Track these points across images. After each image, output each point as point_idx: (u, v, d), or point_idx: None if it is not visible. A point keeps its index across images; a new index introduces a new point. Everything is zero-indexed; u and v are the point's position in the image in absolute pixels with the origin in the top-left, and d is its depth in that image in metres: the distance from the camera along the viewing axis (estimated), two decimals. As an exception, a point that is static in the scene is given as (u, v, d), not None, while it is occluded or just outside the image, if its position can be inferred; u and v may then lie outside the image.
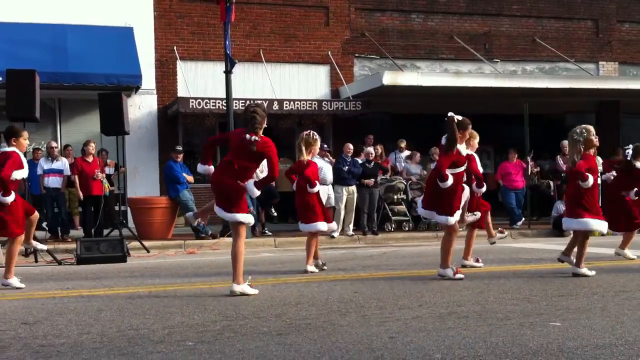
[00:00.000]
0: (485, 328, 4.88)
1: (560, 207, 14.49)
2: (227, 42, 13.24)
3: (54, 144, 13.65)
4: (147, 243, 11.79)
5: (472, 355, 4.13)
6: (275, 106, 15.62)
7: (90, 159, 12.83)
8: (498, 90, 16.41)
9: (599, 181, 8.61)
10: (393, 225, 14.49)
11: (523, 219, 15.12)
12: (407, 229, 14.53)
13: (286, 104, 15.77)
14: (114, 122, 11.84)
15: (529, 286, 6.87)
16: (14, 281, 7.42)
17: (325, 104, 16.29)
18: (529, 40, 19.16)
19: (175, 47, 16.53)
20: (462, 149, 7.41)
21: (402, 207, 14.80)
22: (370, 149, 14.09)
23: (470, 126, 7.55)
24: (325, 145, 15.11)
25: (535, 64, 19.26)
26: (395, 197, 14.75)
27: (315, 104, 16.10)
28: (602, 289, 6.65)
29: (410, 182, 15.16)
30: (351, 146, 13.78)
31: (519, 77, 17.60)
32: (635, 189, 9.06)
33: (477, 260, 8.68)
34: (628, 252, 9.25)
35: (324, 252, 11.54)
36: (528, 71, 19.02)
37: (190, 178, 13.46)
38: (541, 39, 19.08)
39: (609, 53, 19.90)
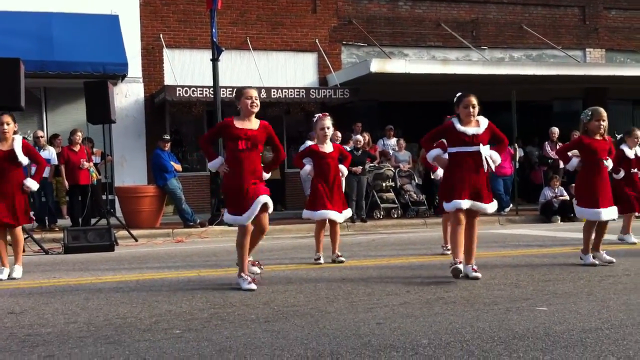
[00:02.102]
0: (472, 313, 4.90)
1: (548, 193, 14.57)
2: (213, 30, 13.18)
3: (40, 133, 13.56)
4: (135, 232, 11.76)
5: (459, 340, 4.14)
6: (263, 94, 15.53)
7: (77, 148, 12.75)
8: (486, 78, 16.43)
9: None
10: (382, 213, 14.52)
11: (511, 205, 15.18)
12: (395, 216, 14.57)
13: (274, 92, 15.72)
14: (100, 111, 11.78)
15: (516, 271, 6.90)
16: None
17: (313, 91, 16.25)
18: (516, 27, 19.18)
19: (161, 35, 16.43)
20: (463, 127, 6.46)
21: (391, 195, 14.83)
22: (359, 137, 14.09)
23: (467, 101, 6.46)
24: (313, 133, 15.08)
25: (523, 51, 19.29)
26: (384, 184, 14.77)
27: (303, 92, 16.06)
28: (589, 273, 6.68)
29: (398, 169, 15.18)
30: (339, 134, 13.76)
31: (507, 65, 17.63)
32: (622, 170, 9.18)
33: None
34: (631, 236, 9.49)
35: (312, 240, 11.54)
36: (515, 58, 19.05)
37: (178, 167, 13.42)
38: (528, 26, 19.11)
39: (595, 40, 19.96)
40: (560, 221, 13.88)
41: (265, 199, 6.19)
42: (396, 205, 14.72)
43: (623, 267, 7.06)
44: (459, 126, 6.44)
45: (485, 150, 6.43)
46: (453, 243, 6.54)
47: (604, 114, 7.15)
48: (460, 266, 6.36)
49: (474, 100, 6.46)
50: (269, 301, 5.55)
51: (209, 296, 5.85)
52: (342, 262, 7.91)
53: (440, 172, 8.57)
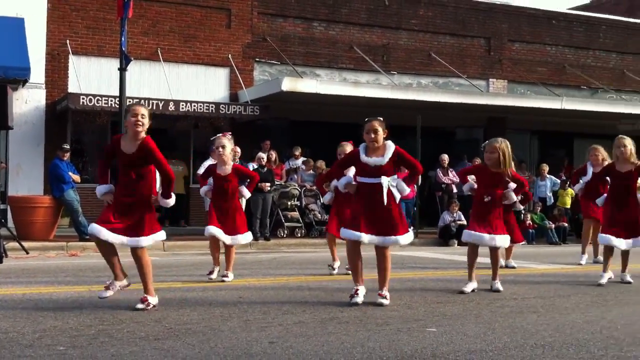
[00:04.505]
0: (365, 333, 4.96)
1: (447, 217, 15.00)
2: (122, 39, 12.89)
3: None
4: (27, 244, 11.28)
5: (349, 359, 4.17)
6: (172, 107, 15.33)
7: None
8: (394, 102, 16.80)
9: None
10: (285, 231, 14.52)
11: (412, 228, 15.48)
12: (299, 235, 14.61)
13: (183, 105, 15.50)
14: (-4, 116, 11.27)
15: (410, 293, 7.04)
16: None
17: (223, 107, 16.13)
18: (425, 54, 19.74)
19: (68, 41, 15.92)
20: None
21: (296, 214, 14.87)
22: (262, 154, 14.09)
23: (369, 126, 6.37)
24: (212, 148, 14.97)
25: (430, 78, 19.85)
26: (289, 203, 14.80)
27: (212, 107, 15.92)
28: (479, 296, 6.89)
29: (304, 188, 15.26)
30: (238, 149, 13.73)
31: (414, 90, 18.08)
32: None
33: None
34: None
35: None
36: (423, 85, 19.57)
37: (76, 177, 13.00)
38: (436, 54, 19.71)
39: (499, 71, 20.79)
40: (458, 245, 14.31)
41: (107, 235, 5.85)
42: (300, 225, 14.76)
43: (511, 291, 7.32)
44: (362, 156, 6.29)
45: (386, 180, 6.22)
46: (352, 270, 6.45)
47: (496, 145, 7.08)
48: (359, 298, 6.20)
49: (375, 125, 6.27)
50: (161, 318, 5.43)
51: (98, 312, 5.67)
52: (223, 281, 7.71)
53: (328, 196, 8.62)
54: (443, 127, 19.55)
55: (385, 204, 6.21)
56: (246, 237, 8.15)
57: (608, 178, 8.60)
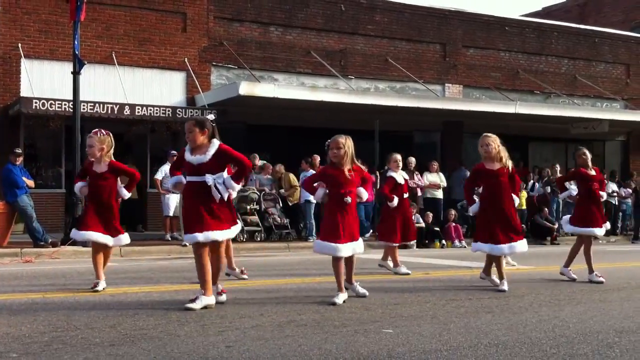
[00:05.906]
0: (322, 335, 4.98)
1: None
2: (76, 42, 12.74)
3: None
4: (-21, 251, 11.01)
5: (305, 362, 4.20)
6: (127, 111, 15.16)
7: None
8: (352, 106, 16.91)
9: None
10: (245, 236, 14.47)
11: (371, 231, 15.59)
12: (259, 239, 14.58)
13: (138, 109, 15.34)
14: (-55, 120, 10.99)
15: (369, 295, 7.07)
16: None
17: (179, 111, 16.02)
18: (381, 59, 19.91)
19: (20, 44, 15.64)
20: None
21: (255, 218, 14.83)
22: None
23: (185, 127, 6.40)
24: (174, 152, 14.84)
25: (387, 82, 20.04)
26: (249, 207, 14.75)
27: (169, 111, 15.79)
28: (435, 297, 6.97)
29: (263, 192, 15.23)
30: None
31: (371, 95, 18.23)
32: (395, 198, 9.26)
33: (243, 272, 8.33)
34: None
35: (171, 262, 11.33)
36: (380, 89, 19.74)
37: (30, 182, 12.75)
38: (393, 59, 19.90)
39: (454, 76, 21.09)
40: (416, 247, 14.45)
41: None
42: (260, 229, 14.74)
43: (467, 292, 7.43)
44: (187, 154, 6.27)
45: (211, 178, 6.10)
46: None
47: (342, 140, 6.69)
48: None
49: (190, 125, 6.24)
50: (116, 324, 5.36)
51: (52, 319, 5.57)
52: (96, 291, 7.09)
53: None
54: (401, 131, 19.74)
55: (212, 201, 6.11)
56: (122, 238, 7.54)
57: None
